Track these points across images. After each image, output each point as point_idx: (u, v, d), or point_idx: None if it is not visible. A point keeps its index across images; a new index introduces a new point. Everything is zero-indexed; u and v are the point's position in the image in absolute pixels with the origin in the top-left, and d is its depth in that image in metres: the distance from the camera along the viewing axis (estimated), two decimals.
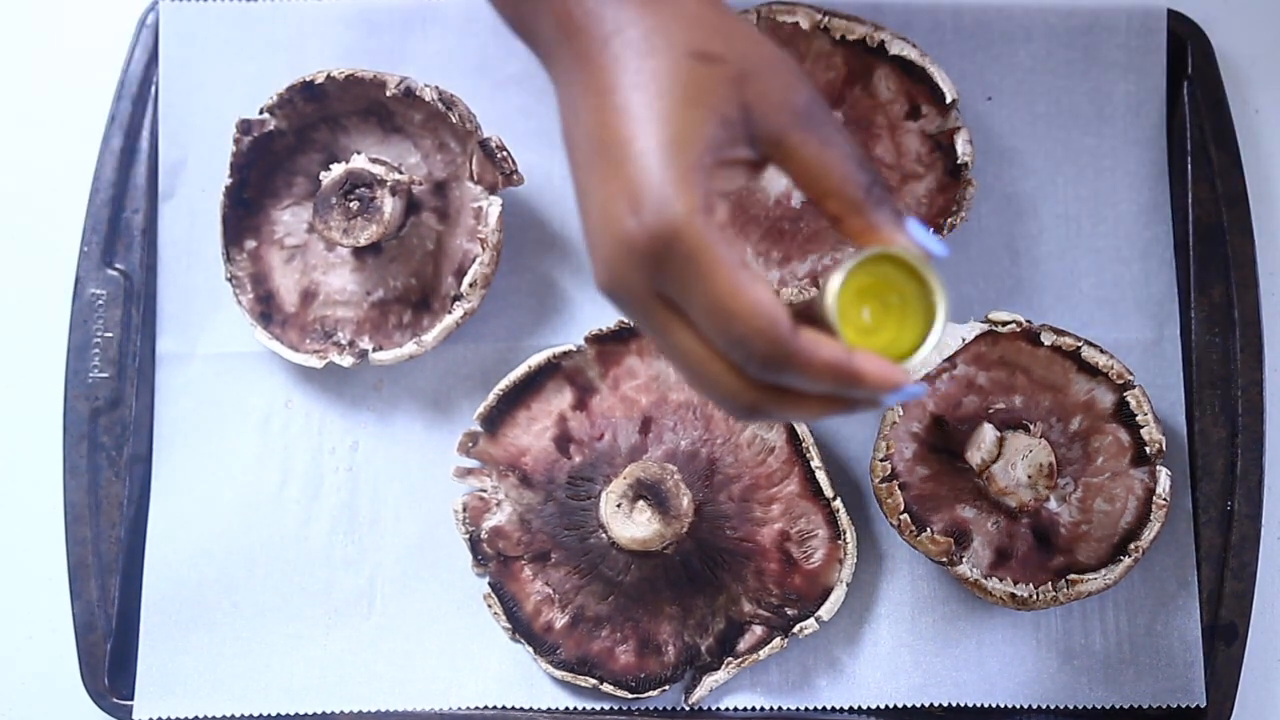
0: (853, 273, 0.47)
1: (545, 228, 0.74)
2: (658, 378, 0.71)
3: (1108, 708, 0.70)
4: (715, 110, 0.46)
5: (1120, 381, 0.68)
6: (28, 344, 0.75)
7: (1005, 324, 0.69)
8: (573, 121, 0.48)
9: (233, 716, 0.70)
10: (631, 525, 0.67)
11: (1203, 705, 0.70)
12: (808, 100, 0.48)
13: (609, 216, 0.46)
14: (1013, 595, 0.66)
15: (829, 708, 0.70)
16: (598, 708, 0.70)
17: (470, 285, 0.69)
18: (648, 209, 0.45)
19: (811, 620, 0.68)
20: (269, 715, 0.70)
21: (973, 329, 0.69)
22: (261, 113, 0.71)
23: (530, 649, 0.69)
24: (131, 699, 0.71)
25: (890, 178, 0.72)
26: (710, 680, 0.69)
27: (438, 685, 0.71)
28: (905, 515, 0.67)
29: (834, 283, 0.47)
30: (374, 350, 0.71)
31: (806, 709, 0.70)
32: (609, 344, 0.71)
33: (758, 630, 0.69)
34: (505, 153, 0.70)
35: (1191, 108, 0.74)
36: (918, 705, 0.70)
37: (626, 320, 0.70)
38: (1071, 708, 0.70)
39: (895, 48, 0.70)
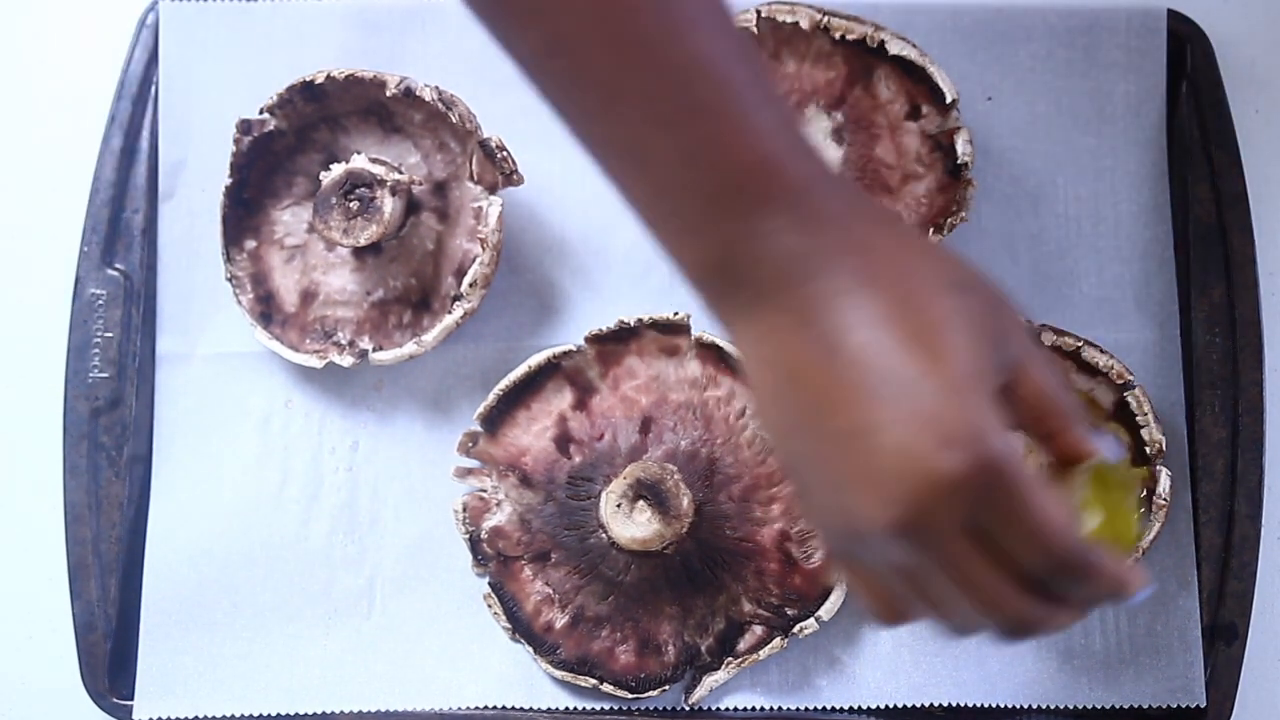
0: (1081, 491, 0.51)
1: (545, 228, 0.74)
2: (658, 378, 0.71)
3: (1108, 708, 0.70)
4: (989, 340, 0.46)
5: (1120, 381, 0.68)
6: (28, 344, 0.75)
7: None
8: (823, 349, 0.46)
9: (233, 716, 0.70)
10: (631, 525, 0.67)
11: (1203, 705, 0.70)
12: (1026, 324, 0.49)
13: (914, 453, 0.44)
14: None
15: (829, 708, 0.70)
16: (598, 708, 0.70)
17: (470, 285, 0.69)
18: (967, 442, 0.44)
19: (811, 620, 0.68)
20: (269, 715, 0.70)
21: None
22: (261, 113, 0.71)
23: (530, 649, 0.69)
24: (131, 699, 0.71)
25: (890, 178, 0.72)
26: (710, 680, 0.69)
27: (438, 685, 0.71)
28: None
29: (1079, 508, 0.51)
30: (374, 350, 0.71)
31: (806, 709, 0.70)
32: (609, 344, 0.71)
33: (758, 630, 0.69)
34: (505, 153, 0.70)
35: (1191, 108, 0.74)
36: (918, 705, 0.70)
37: (632, 321, 0.70)
38: (1071, 708, 0.70)
39: (895, 48, 0.70)
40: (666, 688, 0.69)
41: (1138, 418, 0.68)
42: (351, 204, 0.69)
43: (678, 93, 0.46)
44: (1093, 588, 0.48)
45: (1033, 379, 0.49)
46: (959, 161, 0.70)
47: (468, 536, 0.70)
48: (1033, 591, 0.47)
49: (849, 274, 0.46)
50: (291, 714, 0.70)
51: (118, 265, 0.74)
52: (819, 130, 0.73)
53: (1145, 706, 0.70)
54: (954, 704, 0.70)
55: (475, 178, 0.71)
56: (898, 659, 0.70)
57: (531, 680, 0.71)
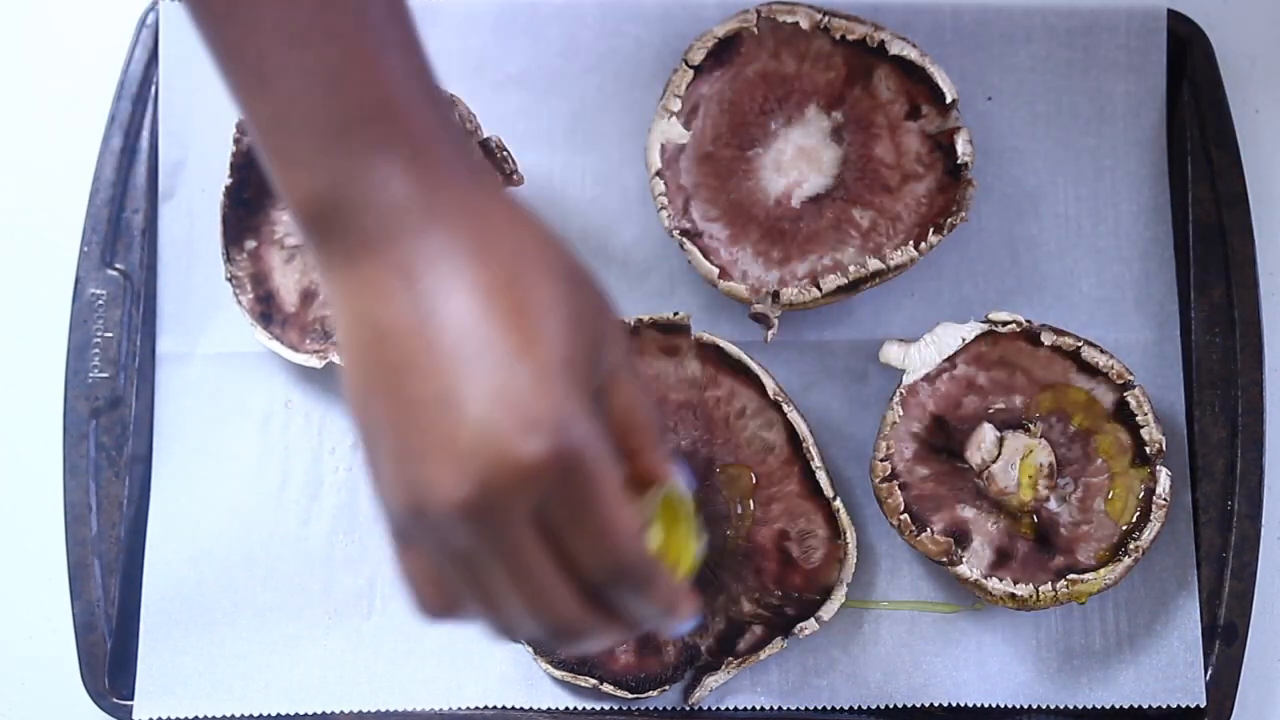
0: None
1: None
2: (658, 378, 0.71)
3: (1108, 708, 0.70)
4: (590, 339, 0.46)
5: (1120, 381, 0.68)
6: (28, 344, 0.75)
7: (1005, 324, 0.69)
8: (419, 310, 0.44)
9: (233, 716, 0.70)
10: None
11: (1203, 705, 0.70)
12: (627, 340, 0.49)
13: (495, 431, 0.42)
14: (1013, 595, 0.66)
15: (829, 708, 0.70)
16: (598, 708, 0.70)
17: None
18: (551, 429, 0.42)
19: (811, 620, 0.68)
20: (269, 715, 0.70)
21: (973, 329, 0.69)
22: None
23: (530, 649, 0.69)
24: (131, 699, 0.71)
25: (890, 178, 0.72)
26: (710, 680, 0.69)
27: (438, 685, 0.71)
28: (905, 515, 0.67)
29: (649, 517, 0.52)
30: None
31: (806, 709, 0.70)
32: None
33: (758, 630, 0.69)
34: (505, 153, 0.70)
35: (1191, 108, 0.74)
36: (918, 705, 0.70)
37: (632, 321, 0.70)
38: (1071, 708, 0.70)
39: (895, 48, 0.70)
40: (666, 688, 0.69)
41: (1138, 418, 0.68)
42: None
43: (313, 13, 0.44)
44: (646, 602, 0.47)
45: (624, 391, 0.48)
46: (959, 161, 0.70)
47: None
48: (587, 598, 0.46)
49: (458, 239, 0.44)
50: (291, 714, 0.70)
51: (118, 265, 0.74)
52: (819, 130, 0.73)
53: (1145, 706, 0.70)
54: (954, 704, 0.70)
55: None
56: (898, 659, 0.70)
57: (531, 680, 0.71)
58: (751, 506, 0.70)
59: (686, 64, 0.71)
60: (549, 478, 0.43)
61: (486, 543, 0.44)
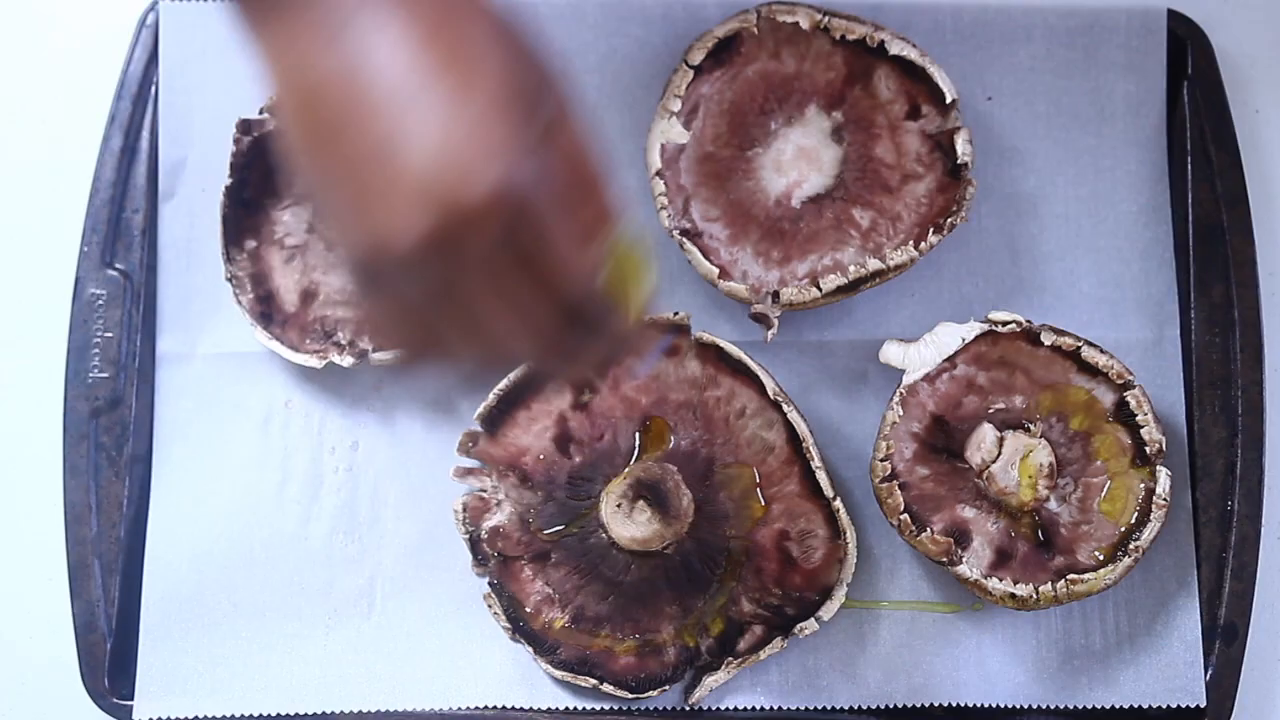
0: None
1: None
2: (658, 378, 0.71)
3: (1108, 708, 0.70)
4: (532, 77, 0.45)
5: (1120, 381, 0.68)
6: (28, 344, 0.75)
7: (1005, 324, 0.69)
8: (348, 62, 0.43)
9: (233, 716, 0.70)
10: (631, 525, 0.67)
11: (1203, 705, 0.70)
12: (566, 86, 0.48)
13: (440, 173, 0.42)
14: (1013, 595, 0.66)
15: (829, 708, 0.70)
16: (598, 708, 0.70)
17: None
18: (496, 167, 0.42)
19: (811, 620, 0.68)
20: (269, 715, 0.70)
21: (973, 329, 0.69)
22: (261, 113, 0.71)
23: (530, 649, 0.69)
24: (131, 699, 0.71)
25: (890, 178, 0.72)
26: (710, 680, 0.69)
27: (438, 685, 0.71)
28: (905, 515, 0.67)
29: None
30: (374, 350, 0.71)
31: (806, 709, 0.70)
32: None
33: (758, 630, 0.69)
34: None
35: (1191, 108, 0.74)
36: (918, 705, 0.70)
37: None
38: (1071, 708, 0.70)
39: (895, 48, 0.70)
40: (666, 688, 0.69)
41: (1138, 418, 0.68)
42: None
43: None
44: (604, 341, 0.47)
45: (568, 137, 0.47)
46: (959, 161, 0.70)
47: (468, 536, 0.70)
48: (561, 319, 0.47)
49: None
50: (291, 714, 0.70)
51: (118, 265, 0.74)
52: (819, 130, 0.73)
53: (1145, 706, 0.70)
54: (954, 704, 0.70)
55: None
56: (898, 659, 0.70)
57: (531, 680, 0.71)
58: (761, 499, 0.70)
59: (686, 64, 0.71)
60: (496, 215, 0.43)
61: (447, 276, 0.44)
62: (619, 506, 0.67)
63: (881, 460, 0.67)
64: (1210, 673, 0.70)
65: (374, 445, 0.73)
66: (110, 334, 0.73)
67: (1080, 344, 0.68)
